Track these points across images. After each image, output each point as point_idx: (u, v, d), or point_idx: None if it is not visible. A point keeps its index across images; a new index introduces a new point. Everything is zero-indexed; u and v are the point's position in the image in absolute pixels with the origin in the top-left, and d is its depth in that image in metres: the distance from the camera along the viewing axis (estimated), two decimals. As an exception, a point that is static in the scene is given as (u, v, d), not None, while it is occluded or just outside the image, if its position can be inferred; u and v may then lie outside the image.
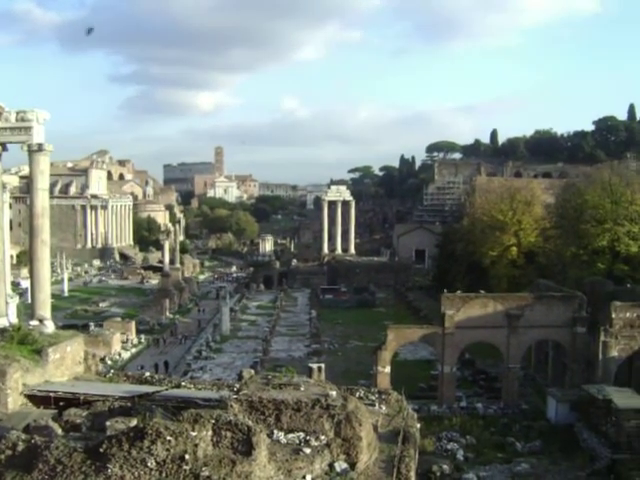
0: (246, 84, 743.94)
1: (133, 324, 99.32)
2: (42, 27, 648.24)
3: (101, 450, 24.75)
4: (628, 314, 65.59)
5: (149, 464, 24.23)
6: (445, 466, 48.20)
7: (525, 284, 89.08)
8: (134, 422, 28.52)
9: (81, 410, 33.86)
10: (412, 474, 31.95)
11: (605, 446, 54.23)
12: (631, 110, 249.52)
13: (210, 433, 26.11)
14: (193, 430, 25.55)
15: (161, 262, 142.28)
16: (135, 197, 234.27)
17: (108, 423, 29.46)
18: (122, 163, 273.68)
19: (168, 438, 24.74)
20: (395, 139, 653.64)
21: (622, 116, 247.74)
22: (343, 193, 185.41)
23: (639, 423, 54.16)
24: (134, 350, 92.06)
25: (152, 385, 39.86)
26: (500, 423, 62.70)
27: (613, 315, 65.10)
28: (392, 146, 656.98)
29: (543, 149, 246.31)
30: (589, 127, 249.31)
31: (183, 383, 41.48)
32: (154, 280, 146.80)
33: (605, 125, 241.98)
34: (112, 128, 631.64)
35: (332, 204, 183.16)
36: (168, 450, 24.56)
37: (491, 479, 49.42)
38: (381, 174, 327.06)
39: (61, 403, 35.54)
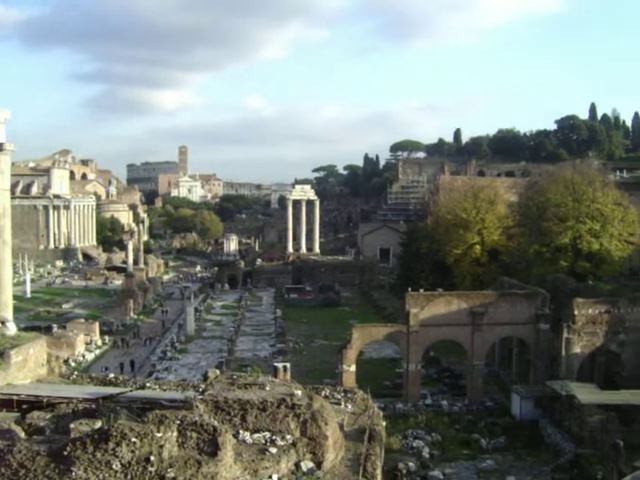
0: (210, 83, 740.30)
1: (97, 325, 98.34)
2: (3, 24, 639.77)
3: (65, 453, 24.47)
4: (590, 311, 66.32)
5: (114, 466, 24.00)
6: (411, 463, 48.53)
7: (489, 282, 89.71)
8: (98, 424, 28.26)
9: (44, 413, 33.49)
10: (378, 472, 32.03)
11: (569, 441, 54.89)
12: (592, 109, 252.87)
13: (175, 434, 25.94)
14: (158, 431, 25.36)
15: (125, 262, 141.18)
16: (98, 197, 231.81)
17: (72, 425, 29.14)
18: (85, 163, 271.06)
19: (133, 440, 24.52)
20: (359, 138, 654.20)
21: (584, 115, 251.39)
22: (307, 192, 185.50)
23: (602, 418, 54.87)
24: (98, 351, 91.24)
25: (117, 386, 39.56)
26: (465, 420, 63.13)
27: (575, 312, 65.78)
28: (356, 145, 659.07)
29: (506, 148, 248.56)
30: (551, 126, 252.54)
31: (148, 384, 41.22)
32: (118, 281, 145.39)
33: (567, 124, 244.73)
34: (75, 127, 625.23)
35: (297, 203, 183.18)
36: (133, 452, 24.34)
37: (457, 476, 49.74)
38: (345, 173, 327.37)
39: (24, 406, 35.10)
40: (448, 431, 59.55)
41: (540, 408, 61.72)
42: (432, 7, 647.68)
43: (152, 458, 24.38)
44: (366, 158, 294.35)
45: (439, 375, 78.25)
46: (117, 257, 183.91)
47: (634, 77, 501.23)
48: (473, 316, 67.82)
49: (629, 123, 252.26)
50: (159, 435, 25.20)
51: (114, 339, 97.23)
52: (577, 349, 66.04)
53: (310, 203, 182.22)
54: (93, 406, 33.81)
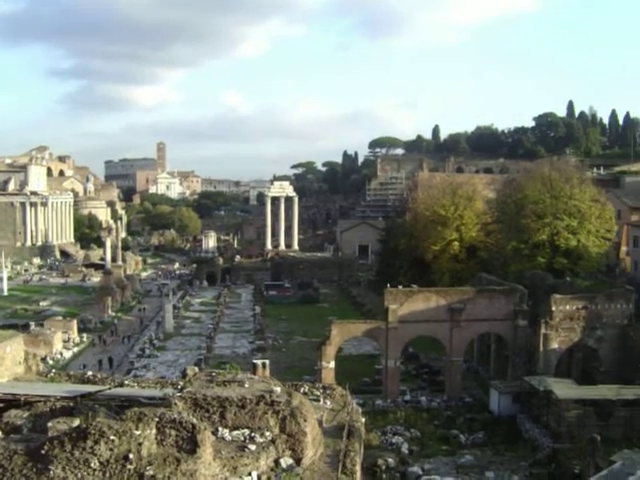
0: (188, 79, 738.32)
1: (75, 323, 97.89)
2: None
3: (43, 452, 24.35)
4: (568, 307, 66.79)
5: (92, 464, 23.92)
6: (390, 459, 48.59)
7: (467, 278, 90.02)
8: (76, 422, 28.14)
9: (22, 411, 33.25)
10: (357, 468, 32.09)
11: (546, 436, 55.19)
12: (570, 107, 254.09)
13: (154, 432, 25.88)
14: (137, 429, 25.29)
15: (103, 260, 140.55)
16: (76, 194, 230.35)
17: (50, 424, 29.00)
18: (62, 159, 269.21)
19: (111, 438, 24.44)
20: (338, 135, 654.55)
21: (561, 113, 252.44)
22: (286, 189, 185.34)
23: (579, 413, 55.24)
24: (76, 349, 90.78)
25: (95, 384, 39.32)
26: (444, 416, 63.27)
27: (553, 308, 66.21)
28: (335, 142, 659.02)
29: (484, 145, 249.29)
30: (529, 123, 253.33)
31: (126, 382, 41.03)
32: (96, 278, 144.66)
33: (545, 121, 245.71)
34: (52, 123, 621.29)
35: (275, 200, 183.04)
36: (111, 450, 24.27)
37: (436, 471, 49.81)
38: (324, 170, 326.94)
39: (1, 405, 34.86)
40: (427, 427, 59.69)
41: (518, 403, 61.99)
42: (410, 4, 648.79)
43: (131, 456, 24.32)
44: (345, 155, 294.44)
45: (418, 371, 78.41)
46: (95, 254, 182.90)
47: (611, 75, 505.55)
48: (451, 312, 68.04)
49: (606, 121, 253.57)
50: (138, 433, 25.13)
51: (92, 337, 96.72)
52: (555, 345, 66.48)
53: (289, 200, 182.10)
54: (71, 404, 33.62)
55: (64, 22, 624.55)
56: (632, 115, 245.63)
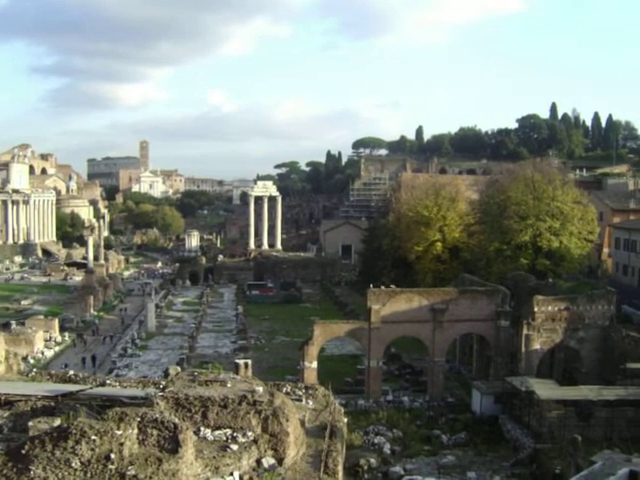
0: (172, 78, 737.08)
1: (56, 322, 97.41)
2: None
3: (23, 452, 24.18)
4: (550, 308, 67.07)
5: (73, 464, 23.77)
6: (372, 460, 48.69)
7: (450, 279, 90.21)
8: (58, 422, 28.00)
9: (2, 411, 33.07)
10: (339, 468, 32.09)
11: (528, 436, 55.35)
12: (553, 109, 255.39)
13: (136, 431, 25.78)
14: (118, 429, 25.17)
15: (85, 258, 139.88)
16: (58, 192, 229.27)
17: (31, 423, 28.84)
18: (45, 157, 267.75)
19: (93, 437, 24.31)
20: (322, 135, 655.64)
21: (545, 114, 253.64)
22: (270, 188, 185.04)
23: (560, 413, 55.44)
24: (58, 348, 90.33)
25: (76, 384, 39.14)
26: (426, 416, 63.40)
27: (535, 309, 66.47)
28: (319, 142, 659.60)
29: (468, 146, 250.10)
30: (513, 125, 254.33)
31: (108, 381, 40.83)
32: (78, 277, 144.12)
33: (528, 123, 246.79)
34: (34, 121, 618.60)
35: (259, 199, 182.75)
36: (93, 450, 24.13)
37: (418, 471, 49.86)
38: (308, 170, 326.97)
39: (-19, 403, 34.65)
40: (409, 427, 59.75)
41: (500, 404, 62.18)
42: (395, 4, 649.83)
43: (112, 456, 24.20)
44: (328, 155, 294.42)
45: (400, 371, 78.52)
46: (77, 253, 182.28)
47: (594, 78, 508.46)
48: (434, 313, 68.13)
49: (589, 123, 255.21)
50: (119, 432, 25.01)
51: (73, 337, 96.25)
52: (537, 345, 66.76)
53: (272, 199, 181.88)
54: (52, 404, 33.46)
55: (46, 18, 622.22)
56: (614, 118, 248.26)
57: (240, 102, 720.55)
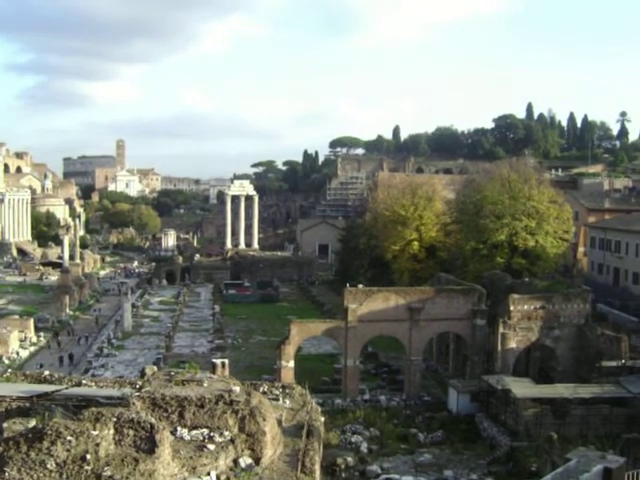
0: (148, 76, 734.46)
1: (32, 322, 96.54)
2: None
3: (-3, 452, 23.97)
4: (526, 306, 67.38)
5: (49, 466, 23.56)
6: (349, 458, 48.76)
7: (426, 278, 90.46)
8: (33, 423, 27.80)
9: (-24, 411, 32.77)
10: (317, 467, 32.06)
11: (504, 434, 55.63)
12: (529, 109, 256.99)
13: (112, 432, 25.60)
14: (94, 429, 24.99)
15: (61, 258, 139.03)
16: (33, 191, 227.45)
17: (5, 425, 28.58)
18: (20, 155, 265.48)
19: (68, 438, 24.12)
20: (299, 134, 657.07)
21: (521, 114, 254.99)
22: (246, 188, 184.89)
23: (536, 412, 55.84)
24: (33, 348, 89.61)
25: (52, 384, 38.80)
26: (403, 415, 63.48)
27: (511, 308, 66.75)
28: (295, 141, 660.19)
29: (444, 145, 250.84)
30: (489, 125, 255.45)
31: (84, 381, 40.51)
32: (54, 276, 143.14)
33: (504, 123, 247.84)
34: (9, 119, 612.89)
35: (235, 199, 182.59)
36: (69, 450, 23.94)
37: (395, 470, 49.94)
38: (284, 169, 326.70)
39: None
40: (386, 426, 59.80)
41: (476, 402, 62.45)
42: (372, 3, 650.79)
43: (88, 456, 24.02)
44: (305, 154, 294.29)
45: (377, 370, 78.62)
46: (53, 252, 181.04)
47: (570, 79, 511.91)
48: (411, 312, 68.24)
49: (564, 123, 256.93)
50: (95, 433, 24.84)
51: (48, 339, 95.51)
52: (513, 344, 67.04)
53: (249, 198, 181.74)
54: (27, 404, 33.20)
55: (20, 16, 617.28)
56: (590, 118, 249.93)
57: (217, 101, 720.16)
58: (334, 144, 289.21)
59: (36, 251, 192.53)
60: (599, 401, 57.17)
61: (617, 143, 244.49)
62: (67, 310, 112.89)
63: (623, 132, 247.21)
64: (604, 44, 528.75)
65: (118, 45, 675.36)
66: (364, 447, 54.01)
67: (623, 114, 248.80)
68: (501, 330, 66.55)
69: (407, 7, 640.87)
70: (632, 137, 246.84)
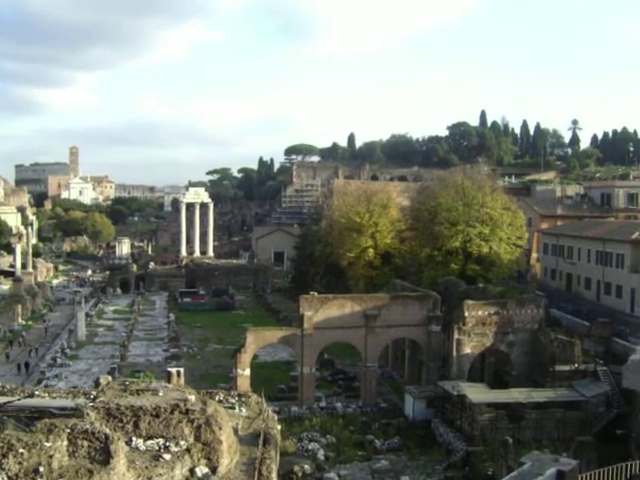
0: (103, 83, 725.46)
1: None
2: None
3: (-53, 465, 23.51)
4: (480, 312, 67.89)
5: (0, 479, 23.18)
6: (306, 466, 48.71)
7: (382, 285, 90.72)
8: (-17, 434, 27.26)
9: None
10: (274, 475, 31.93)
11: (460, 439, 56.07)
12: (483, 116, 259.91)
13: (66, 443, 25.23)
14: (47, 441, 24.61)
15: (13, 266, 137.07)
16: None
17: (-45, 436, 28.04)
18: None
19: (20, 450, 23.72)
20: (254, 141, 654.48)
21: (474, 122, 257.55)
22: (201, 195, 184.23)
23: (491, 416, 56.37)
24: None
25: (3, 395, 38.18)
26: (359, 422, 63.64)
27: (466, 313, 67.22)
28: (251, 148, 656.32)
29: (399, 153, 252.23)
30: (443, 132, 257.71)
31: (37, 392, 39.93)
32: (5, 285, 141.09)
33: (458, 130, 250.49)
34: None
35: (190, 206, 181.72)
36: (21, 463, 23.53)
37: (352, 477, 50.13)
38: (240, 176, 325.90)
39: None
40: (343, 433, 59.92)
41: (432, 408, 62.86)
42: (330, 11, 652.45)
43: (41, 469, 23.63)
44: (260, 161, 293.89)
45: (333, 377, 78.70)
46: (4, 261, 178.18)
47: (523, 86, 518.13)
48: (366, 318, 68.42)
49: (518, 131, 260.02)
50: (48, 445, 24.46)
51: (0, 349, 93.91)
52: (467, 350, 67.50)
53: (204, 206, 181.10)
54: (-22, 415, 32.62)
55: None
56: (542, 126, 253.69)
57: (172, 107, 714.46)
58: (289, 151, 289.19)
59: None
60: (553, 405, 57.96)
61: (569, 150, 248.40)
62: (19, 320, 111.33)
63: (575, 140, 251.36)
64: (556, 53, 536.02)
65: (75, 52, 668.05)
66: (321, 454, 54.03)
67: (575, 122, 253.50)
68: (456, 336, 66.97)
69: (362, 16, 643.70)
70: (583, 144, 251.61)
